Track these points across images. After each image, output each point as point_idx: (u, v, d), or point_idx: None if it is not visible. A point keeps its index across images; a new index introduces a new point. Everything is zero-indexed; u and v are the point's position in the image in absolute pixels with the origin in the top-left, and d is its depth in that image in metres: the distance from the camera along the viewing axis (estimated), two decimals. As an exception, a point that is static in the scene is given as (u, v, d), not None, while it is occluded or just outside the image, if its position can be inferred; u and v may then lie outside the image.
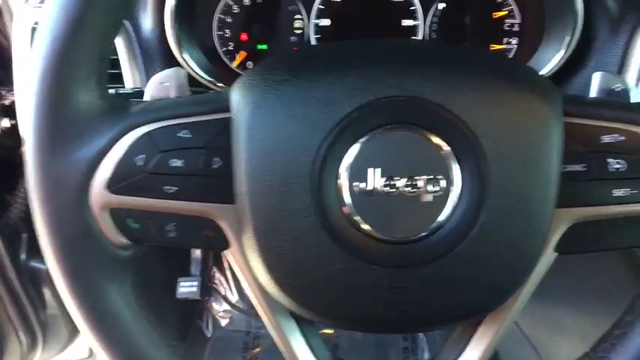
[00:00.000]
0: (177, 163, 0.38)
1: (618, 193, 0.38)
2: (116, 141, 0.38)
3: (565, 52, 0.67)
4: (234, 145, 0.38)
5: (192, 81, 0.71)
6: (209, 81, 0.71)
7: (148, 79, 0.67)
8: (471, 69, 0.38)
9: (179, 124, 0.39)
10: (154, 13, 0.69)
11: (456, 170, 0.37)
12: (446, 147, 0.37)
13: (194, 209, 0.39)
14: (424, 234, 0.37)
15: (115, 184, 0.38)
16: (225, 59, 0.78)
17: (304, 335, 0.44)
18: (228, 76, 0.76)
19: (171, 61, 0.70)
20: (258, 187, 0.37)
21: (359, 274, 0.38)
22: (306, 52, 0.40)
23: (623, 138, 0.38)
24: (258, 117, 0.37)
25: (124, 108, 0.40)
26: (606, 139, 0.38)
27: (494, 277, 0.39)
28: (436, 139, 0.37)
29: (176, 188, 0.38)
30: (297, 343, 0.44)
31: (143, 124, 0.38)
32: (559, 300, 1.09)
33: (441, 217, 0.37)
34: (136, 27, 0.70)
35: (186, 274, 1.23)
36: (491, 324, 0.43)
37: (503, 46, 0.76)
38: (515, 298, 0.41)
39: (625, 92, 0.42)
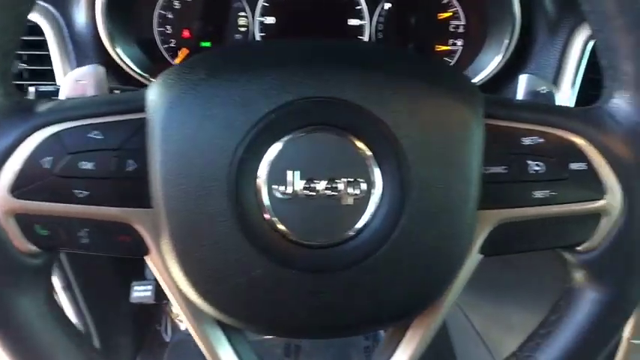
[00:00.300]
0: (87, 165, 0.37)
1: (538, 194, 0.38)
2: (20, 142, 0.36)
3: (503, 56, 0.67)
4: (149, 146, 0.37)
5: (129, 79, 0.69)
6: (145, 78, 0.69)
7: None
8: (393, 70, 0.37)
9: (90, 124, 0.37)
10: (87, 7, 0.67)
11: (376, 173, 0.36)
12: (366, 149, 0.36)
13: (108, 214, 0.38)
14: (345, 238, 0.36)
15: (19, 188, 0.36)
16: (166, 56, 0.76)
17: (232, 344, 0.43)
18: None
19: (105, 57, 0.68)
20: (173, 191, 0.36)
21: (280, 279, 0.37)
22: (227, 50, 0.39)
23: (542, 140, 0.38)
24: (173, 117, 0.36)
25: (30, 107, 0.37)
26: (527, 140, 0.38)
27: (419, 280, 0.38)
28: (357, 142, 0.36)
29: (87, 192, 0.37)
30: (225, 351, 0.43)
31: (50, 125, 0.36)
32: (509, 299, 1.10)
33: (362, 221, 0.36)
34: (69, 21, 0.67)
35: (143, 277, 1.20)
36: (419, 326, 0.43)
37: (448, 48, 0.77)
38: (443, 300, 0.41)
39: (550, 95, 0.43)
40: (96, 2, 0.66)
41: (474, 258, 0.40)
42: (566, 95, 0.64)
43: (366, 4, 0.74)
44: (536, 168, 0.38)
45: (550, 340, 0.42)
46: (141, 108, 0.37)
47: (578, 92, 0.64)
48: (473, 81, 0.70)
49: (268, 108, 0.35)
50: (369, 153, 0.36)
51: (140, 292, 1.13)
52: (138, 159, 0.37)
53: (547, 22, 0.66)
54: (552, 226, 0.39)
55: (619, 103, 0.38)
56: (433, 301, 0.40)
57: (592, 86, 0.63)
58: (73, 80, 0.41)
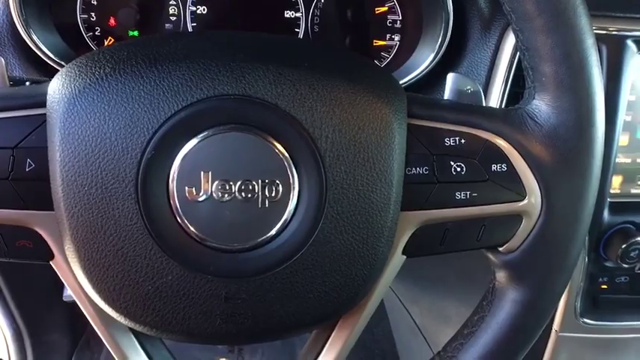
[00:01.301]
0: None
1: (460, 195, 0.38)
2: None
3: (436, 54, 0.67)
4: (49, 145, 0.34)
5: (50, 71, 0.65)
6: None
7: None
8: (311, 67, 0.36)
9: None
10: (1, -8, 0.62)
11: (294, 174, 0.35)
12: (283, 150, 0.34)
13: (6, 217, 0.35)
14: (261, 241, 0.35)
15: None
16: (92, 45, 0.71)
17: (145, 349, 0.41)
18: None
19: (22, 45, 0.63)
20: (75, 192, 0.33)
21: (192, 285, 0.35)
22: (136, 42, 0.36)
23: (463, 141, 0.38)
24: (73, 114, 0.33)
25: None
26: (449, 141, 0.37)
27: (339, 283, 0.37)
28: (273, 142, 0.34)
29: None
30: (138, 358, 0.41)
31: None
32: (445, 292, 1.12)
33: (279, 224, 0.35)
34: None
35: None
36: (344, 328, 0.42)
37: (385, 42, 0.76)
38: (367, 301, 0.40)
39: (477, 94, 0.42)
40: (10, -16, 0.61)
41: (397, 259, 0.39)
42: (498, 94, 0.64)
43: (302, -4, 0.73)
44: (458, 169, 0.37)
45: (473, 340, 0.42)
46: (41, 103, 0.35)
47: (510, 91, 0.64)
48: (405, 79, 0.69)
49: (178, 106, 0.33)
50: (286, 154, 0.34)
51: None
52: (36, 159, 0.34)
53: (480, 21, 0.66)
54: (474, 227, 0.39)
55: (539, 104, 0.38)
56: (356, 303, 0.39)
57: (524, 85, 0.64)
58: (-32, 73, 0.37)
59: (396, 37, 0.76)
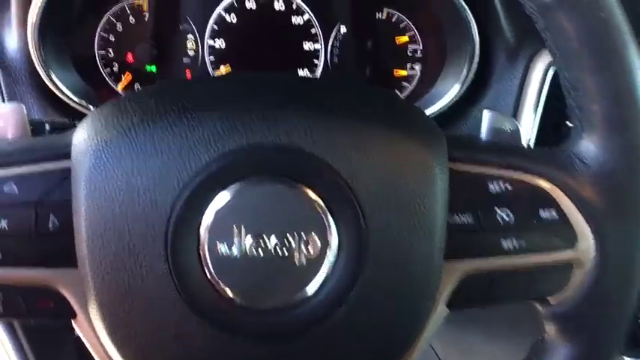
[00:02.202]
0: (0, 223, 0.32)
1: (506, 244, 0.35)
2: None
3: (462, 86, 0.65)
4: (73, 199, 0.32)
5: (67, 109, 0.64)
6: (85, 107, 0.64)
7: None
8: (346, 111, 0.34)
9: (3, 176, 0.32)
10: (19, 30, 0.61)
11: (332, 227, 0.32)
12: (320, 201, 0.32)
13: (26, 277, 0.33)
14: (299, 300, 0.33)
15: None
16: (109, 81, 0.70)
17: None
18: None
19: (40, 84, 0.62)
20: (99, 250, 0.31)
21: (224, 347, 0.33)
22: (163, 89, 0.34)
23: (509, 185, 0.35)
24: (100, 167, 0.31)
25: None
26: (493, 187, 0.35)
27: (380, 341, 0.35)
28: (309, 193, 0.32)
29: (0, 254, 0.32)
30: None
31: None
32: (471, 325, 1.09)
33: (317, 281, 0.33)
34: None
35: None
36: None
37: (406, 72, 0.74)
38: (408, 357, 0.38)
39: (516, 134, 0.40)
40: (28, 22, 0.60)
41: (440, 312, 0.37)
42: (528, 125, 0.62)
43: (321, 27, 0.71)
44: (504, 215, 0.35)
45: None
46: (65, 154, 0.33)
47: (540, 121, 0.62)
48: (430, 110, 0.67)
49: (209, 157, 0.31)
50: (323, 205, 0.32)
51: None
52: (62, 214, 0.32)
53: (506, 50, 0.65)
54: (522, 278, 0.37)
55: (588, 145, 0.36)
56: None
57: (555, 114, 0.62)
58: (-13, 122, 0.35)
59: (418, 67, 0.74)
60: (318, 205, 0.32)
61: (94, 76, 0.69)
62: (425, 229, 0.34)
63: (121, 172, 0.31)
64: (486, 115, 0.40)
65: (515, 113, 0.63)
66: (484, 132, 0.40)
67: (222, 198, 0.32)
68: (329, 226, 0.32)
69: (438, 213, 0.34)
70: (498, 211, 0.35)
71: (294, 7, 0.70)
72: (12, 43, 0.62)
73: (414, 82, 0.75)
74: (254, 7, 0.70)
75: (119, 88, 0.70)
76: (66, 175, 0.33)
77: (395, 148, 0.33)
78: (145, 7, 0.69)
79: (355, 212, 0.32)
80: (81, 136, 0.33)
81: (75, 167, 0.32)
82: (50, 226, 0.32)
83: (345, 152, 0.32)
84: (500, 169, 0.36)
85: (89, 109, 0.64)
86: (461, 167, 0.35)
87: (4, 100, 0.62)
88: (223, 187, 0.32)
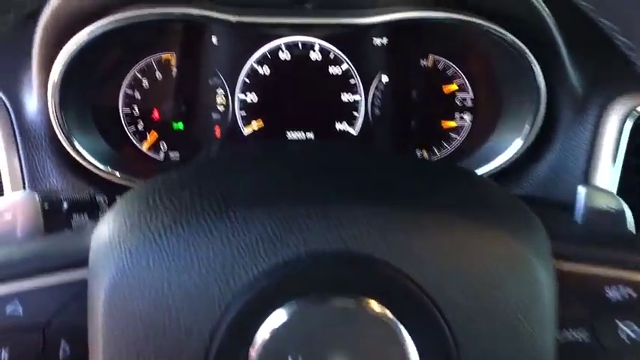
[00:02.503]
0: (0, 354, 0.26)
1: None
2: None
3: (525, 140, 0.58)
4: (89, 323, 0.26)
5: (90, 175, 0.58)
6: (110, 173, 0.58)
7: (30, 169, 0.54)
8: (423, 201, 0.27)
9: (6, 294, 0.26)
10: (39, 91, 0.57)
11: (410, 351, 0.25)
12: (400, 325, 0.25)
13: None
14: None
15: None
16: (134, 141, 0.65)
17: None
18: (137, 162, 0.64)
19: (61, 149, 0.57)
20: None
21: None
22: (199, 173, 0.28)
23: (632, 292, 0.28)
24: (122, 283, 0.25)
25: None
26: (612, 293, 0.28)
27: None
28: (386, 314, 0.25)
29: None
30: None
31: None
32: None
33: None
34: (19, 110, 0.57)
35: None
36: None
37: (455, 123, 0.68)
38: None
39: (620, 215, 0.33)
40: (49, 81, 0.56)
41: None
42: (604, 183, 0.54)
43: (361, 77, 0.65)
44: (628, 331, 0.27)
45: None
46: (82, 261, 0.27)
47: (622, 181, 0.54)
48: (487, 168, 0.60)
49: (258, 269, 0.25)
50: (404, 331, 0.25)
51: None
52: (73, 340, 0.26)
53: (573, 99, 0.58)
54: None
55: None
56: None
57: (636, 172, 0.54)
58: (-5, 214, 0.30)
59: (468, 117, 0.68)
60: (399, 330, 0.25)
61: (117, 136, 0.64)
62: (529, 349, 0.26)
63: (148, 291, 0.25)
64: (582, 192, 0.33)
65: (586, 174, 0.55)
66: (579, 213, 0.33)
67: (274, 322, 0.25)
68: (408, 354, 0.25)
69: (546, 330, 0.26)
70: (620, 324, 0.27)
71: (332, 56, 0.65)
72: (32, 105, 0.58)
73: (464, 134, 0.68)
74: (288, 57, 0.64)
75: (144, 147, 0.65)
76: (82, 287, 0.26)
77: (487, 250, 0.26)
78: (173, 61, 0.64)
79: (440, 332, 0.25)
80: (101, 239, 0.27)
81: (92, 281, 0.26)
82: (61, 354, 0.26)
83: (426, 259, 0.25)
84: (618, 269, 0.28)
85: (111, 174, 0.58)
86: (569, 267, 0.28)
87: (21, 166, 0.57)
88: (275, 308, 0.25)
